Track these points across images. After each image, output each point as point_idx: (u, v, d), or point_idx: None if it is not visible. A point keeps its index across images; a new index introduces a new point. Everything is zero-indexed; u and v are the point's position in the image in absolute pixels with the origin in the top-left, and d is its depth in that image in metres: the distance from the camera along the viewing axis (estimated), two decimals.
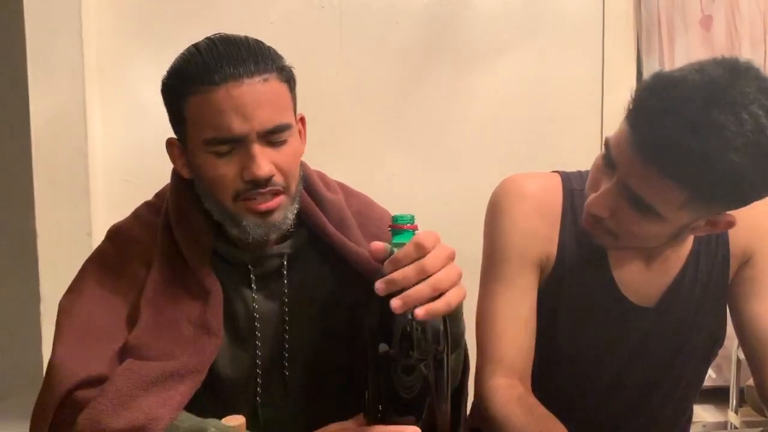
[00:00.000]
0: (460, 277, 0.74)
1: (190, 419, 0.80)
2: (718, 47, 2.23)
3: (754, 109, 0.79)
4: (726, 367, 2.28)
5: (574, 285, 1.03)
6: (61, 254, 1.86)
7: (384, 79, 2.15)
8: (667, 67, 2.19)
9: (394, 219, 0.74)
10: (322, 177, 1.01)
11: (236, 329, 0.92)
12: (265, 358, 0.92)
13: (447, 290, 0.71)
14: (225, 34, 0.87)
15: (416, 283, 0.70)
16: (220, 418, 0.81)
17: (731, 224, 0.93)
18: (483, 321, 1.03)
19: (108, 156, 1.99)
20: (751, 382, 2.16)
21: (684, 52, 2.23)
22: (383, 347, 0.72)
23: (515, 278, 1.02)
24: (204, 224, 0.91)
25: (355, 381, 0.81)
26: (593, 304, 1.03)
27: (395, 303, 0.69)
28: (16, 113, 1.92)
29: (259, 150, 0.83)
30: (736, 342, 2.07)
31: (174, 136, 0.91)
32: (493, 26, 2.18)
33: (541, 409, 0.93)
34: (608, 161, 0.92)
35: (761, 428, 2.13)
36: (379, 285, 0.71)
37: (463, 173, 2.19)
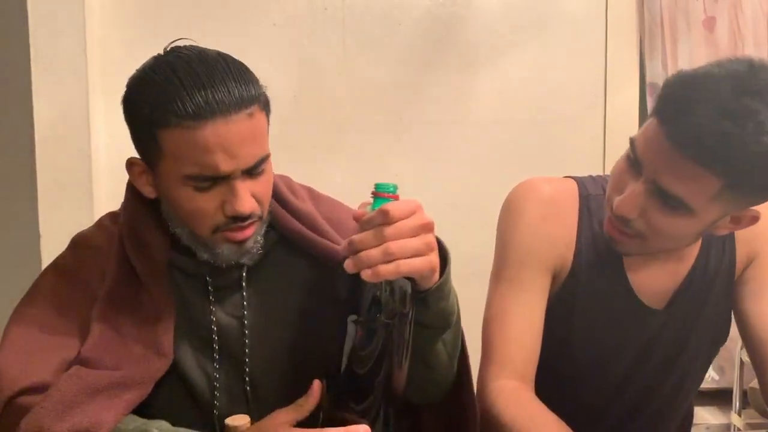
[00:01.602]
0: (428, 247, 0.74)
1: (135, 421, 0.79)
2: (722, 48, 2.23)
3: None
4: (729, 369, 2.28)
5: (590, 288, 1.03)
6: None
7: (387, 80, 2.16)
8: (670, 69, 2.21)
9: (376, 186, 0.76)
10: (288, 184, 0.98)
11: (197, 338, 0.90)
12: (224, 371, 0.90)
13: (401, 257, 0.72)
14: (197, 51, 0.82)
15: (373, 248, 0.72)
16: (195, 420, 0.81)
17: (756, 219, 0.93)
18: (492, 322, 1.02)
19: (112, 157, 2.00)
20: (754, 384, 2.15)
21: (687, 53, 2.22)
22: (350, 310, 0.74)
23: (529, 282, 1.01)
24: (158, 239, 0.89)
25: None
26: (608, 307, 1.03)
27: (347, 263, 0.72)
28: (20, 115, 1.92)
29: (241, 185, 0.81)
30: (739, 344, 2.07)
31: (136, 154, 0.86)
32: (495, 28, 2.19)
33: (547, 411, 0.93)
34: (634, 161, 0.92)
35: (764, 430, 2.13)
36: (342, 245, 0.74)
37: (467, 175, 2.19)
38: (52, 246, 1.88)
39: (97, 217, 0.98)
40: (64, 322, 0.87)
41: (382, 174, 2.20)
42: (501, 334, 1.00)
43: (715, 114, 0.81)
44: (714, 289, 1.05)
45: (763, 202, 0.90)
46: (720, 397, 2.33)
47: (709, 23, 2.24)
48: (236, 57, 0.86)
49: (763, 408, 2.14)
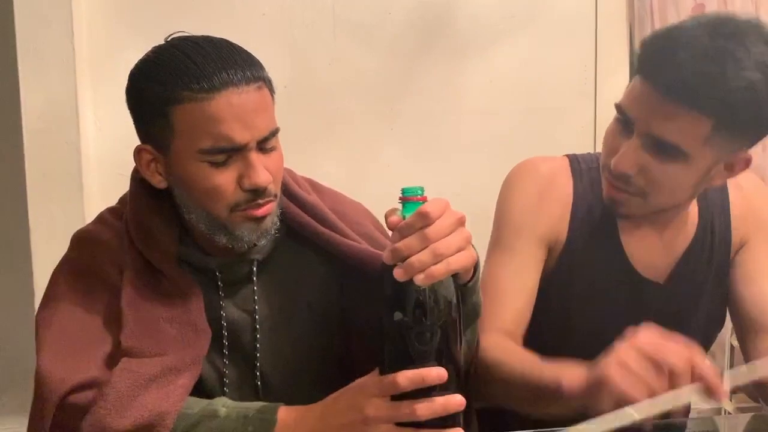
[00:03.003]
0: (467, 241, 0.75)
1: (198, 403, 0.79)
2: None
3: (754, 38, 0.87)
4: (719, 354, 2.30)
5: (586, 260, 1.05)
6: (55, 249, 1.84)
7: (377, 69, 2.15)
8: None
9: (403, 191, 0.75)
10: (293, 176, 0.99)
11: None
12: (234, 366, 0.90)
13: (449, 255, 0.72)
14: (201, 36, 0.83)
15: (420, 251, 0.71)
16: None
17: (748, 162, 0.96)
18: (486, 288, 1.04)
19: (101, 149, 1.98)
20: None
21: None
22: (397, 315, 0.72)
23: (523, 250, 1.04)
24: (166, 234, 0.89)
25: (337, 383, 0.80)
26: (604, 278, 1.05)
27: (397, 272, 0.71)
28: (7, 107, 1.91)
29: (256, 158, 0.82)
30: (729, 329, 2.09)
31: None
32: (486, 16, 2.18)
33: (533, 355, 0.94)
34: (624, 122, 0.95)
35: (754, 413, 2.15)
36: (386, 255, 0.73)
37: (458, 163, 2.20)
38: (42, 239, 1.87)
39: (87, 210, 0.97)
40: (92, 318, 0.86)
41: (373, 163, 2.20)
42: (495, 301, 1.01)
43: (696, 56, 0.86)
44: (712, 268, 1.07)
45: (754, 142, 0.94)
46: None
47: (699, 11, 2.24)
48: None
49: (754, 392, 2.16)
